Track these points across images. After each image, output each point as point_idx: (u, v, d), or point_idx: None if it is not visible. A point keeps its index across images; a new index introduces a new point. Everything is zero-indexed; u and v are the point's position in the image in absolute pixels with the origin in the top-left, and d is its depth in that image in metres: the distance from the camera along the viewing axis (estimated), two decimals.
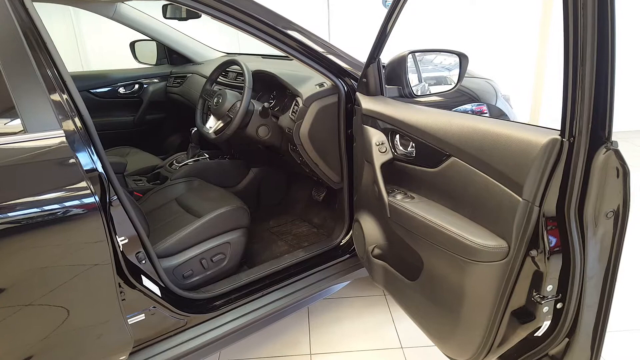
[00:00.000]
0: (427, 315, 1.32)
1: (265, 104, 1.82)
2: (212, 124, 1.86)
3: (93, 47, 3.55)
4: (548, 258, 0.94)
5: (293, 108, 1.67)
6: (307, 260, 1.69)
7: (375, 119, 1.41)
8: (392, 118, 1.33)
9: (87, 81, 2.55)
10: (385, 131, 1.38)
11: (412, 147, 1.30)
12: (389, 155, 1.36)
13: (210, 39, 2.76)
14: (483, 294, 1.07)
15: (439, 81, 1.83)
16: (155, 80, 2.68)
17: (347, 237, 1.77)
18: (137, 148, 2.45)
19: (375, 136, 1.38)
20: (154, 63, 2.70)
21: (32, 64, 0.98)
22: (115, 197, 1.11)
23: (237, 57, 1.94)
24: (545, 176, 0.90)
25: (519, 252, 0.97)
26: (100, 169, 1.07)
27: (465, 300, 1.12)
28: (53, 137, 0.96)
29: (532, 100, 3.97)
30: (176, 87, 2.58)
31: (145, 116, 2.68)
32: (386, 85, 1.48)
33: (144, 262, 1.24)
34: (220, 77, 2.16)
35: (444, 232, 1.12)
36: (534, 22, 4.03)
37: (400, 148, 1.37)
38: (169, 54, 2.68)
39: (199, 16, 1.84)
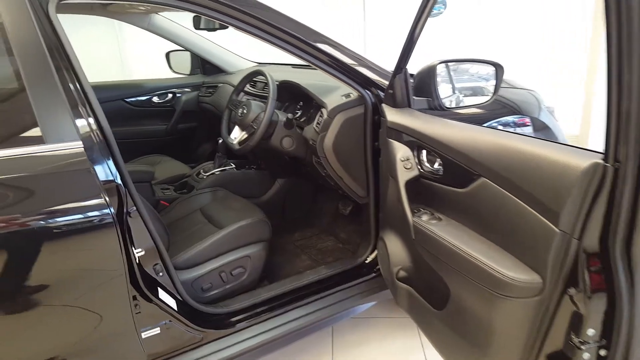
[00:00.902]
0: (453, 349, 1.22)
1: (290, 115, 1.78)
2: (237, 135, 1.85)
3: (135, 55, 3.68)
4: (589, 298, 0.82)
5: (318, 119, 1.62)
6: (331, 278, 1.62)
7: (400, 133, 1.33)
8: (418, 132, 1.25)
9: (122, 90, 2.62)
10: (411, 146, 1.30)
11: (439, 164, 1.21)
12: (415, 172, 1.27)
13: (243, 48, 2.77)
14: (514, 333, 0.96)
15: (475, 92, 1.71)
16: (188, 90, 2.73)
17: (373, 255, 1.68)
18: (168, 156, 2.49)
19: (401, 151, 1.30)
20: (188, 73, 2.74)
21: (54, 75, 0.99)
22: (134, 209, 1.10)
23: (263, 68, 1.92)
24: (585, 206, 0.78)
25: (554, 290, 0.86)
26: (119, 180, 1.07)
27: (495, 338, 1.01)
28: (71, 148, 0.97)
29: (582, 112, 3.67)
30: (208, 96, 2.61)
31: (177, 125, 2.73)
32: (414, 97, 1.39)
33: (161, 274, 1.22)
34: (248, 87, 2.15)
35: (471, 261, 1.02)
36: (586, 22, 3.74)
37: (427, 165, 1.27)
38: (202, 64, 2.71)
39: (227, 27, 1.84)
